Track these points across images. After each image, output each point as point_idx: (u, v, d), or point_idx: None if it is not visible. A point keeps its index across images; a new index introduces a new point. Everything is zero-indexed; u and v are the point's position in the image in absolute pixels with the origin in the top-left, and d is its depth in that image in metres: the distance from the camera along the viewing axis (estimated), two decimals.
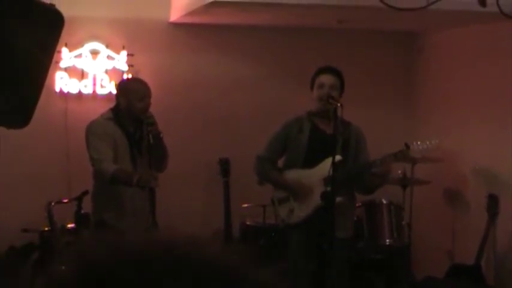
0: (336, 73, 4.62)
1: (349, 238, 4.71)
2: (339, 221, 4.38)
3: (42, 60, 2.72)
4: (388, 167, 4.51)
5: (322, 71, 4.62)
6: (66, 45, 5.85)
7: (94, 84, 6.03)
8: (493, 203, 5.39)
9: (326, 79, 4.55)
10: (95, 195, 4.53)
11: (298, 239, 4.62)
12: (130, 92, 4.44)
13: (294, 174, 4.65)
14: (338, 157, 4.46)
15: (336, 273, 4.49)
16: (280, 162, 4.81)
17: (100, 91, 6.03)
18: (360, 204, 5.30)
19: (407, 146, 4.52)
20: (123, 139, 4.41)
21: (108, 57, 6.05)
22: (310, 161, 4.58)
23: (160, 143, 4.43)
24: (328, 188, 4.41)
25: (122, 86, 4.61)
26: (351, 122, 4.65)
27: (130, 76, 5.94)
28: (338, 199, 4.42)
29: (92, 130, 4.42)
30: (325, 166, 4.47)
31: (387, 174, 4.59)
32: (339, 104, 4.34)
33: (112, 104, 4.60)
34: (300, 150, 4.61)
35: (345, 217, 4.55)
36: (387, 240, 5.33)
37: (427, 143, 4.58)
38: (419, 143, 4.57)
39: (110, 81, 6.01)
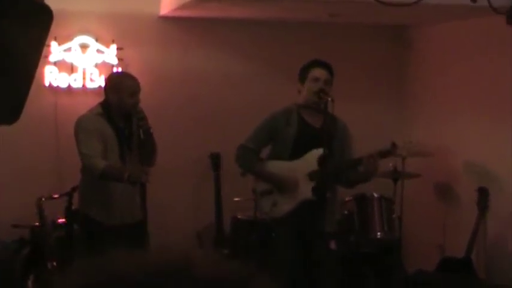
0: (329, 68, 4.58)
1: (334, 232, 4.69)
2: (323, 216, 4.39)
3: (32, 55, 2.69)
4: (374, 165, 4.45)
5: (316, 64, 4.56)
6: (55, 39, 5.82)
7: (84, 78, 6.00)
8: (483, 196, 5.41)
9: (320, 73, 4.51)
10: (82, 190, 4.50)
11: (284, 233, 4.58)
12: (121, 88, 4.41)
13: (277, 166, 4.59)
14: (321, 150, 4.44)
15: (325, 268, 4.50)
16: (264, 153, 4.74)
17: (90, 85, 6.00)
18: (351, 198, 5.30)
19: (394, 145, 4.49)
20: (112, 134, 4.38)
21: (98, 51, 6.02)
22: (297, 154, 4.55)
23: (150, 138, 4.40)
24: (315, 183, 4.41)
25: (111, 81, 4.57)
26: (338, 118, 4.61)
27: (119, 70, 5.92)
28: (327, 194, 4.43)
29: (81, 125, 4.39)
30: (310, 159, 4.47)
31: (372, 172, 4.51)
32: (330, 99, 4.32)
33: (101, 98, 4.57)
34: (287, 143, 4.57)
35: (330, 212, 4.53)
36: (378, 234, 5.34)
37: (413, 142, 4.59)
38: (405, 141, 4.58)
39: (100, 75, 5.98)
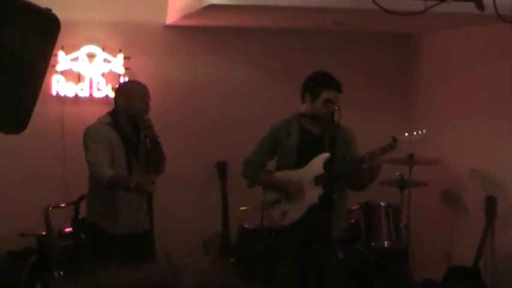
0: (341, 88, 4.54)
1: (341, 237, 4.68)
2: (333, 219, 4.39)
3: (39, 65, 2.70)
4: (376, 161, 4.45)
5: (330, 86, 4.50)
6: (62, 48, 5.85)
7: (90, 88, 6.02)
8: (491, 205, 5.38)
9: (335, 97, 4.48)
10: (90, 199, 4.52)
11: (290, 242, 4.58)
12: (130, 92, 4.44)
13: (283, 175, 4.61)
14: (326, 154, 4.47)
15: (330, 274, 4.49)
16: (271, 167, 4.76)
17: (97, 94, 6.02)
18: (358, 206, 5.29)
19: (394, 139, 4.49)
20: (119, 143, 4.39)
21: (105, 60, 6.04)
22: (301, 162, 4.56)
23: (158, 147, 4.41)
24: (321, 188, 4.41)
25: (121, 87, 4.62)
26: (342, 125, 4.57)
27: (127, 79, 5.94)
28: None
29: (89, 135, 4.40)
30: (314, 165, 4.49)
31: (376, 169, 4.51)
32: (336, 108, 4.32)
33: (109, 107, 4.59)
34: (290, 153, 4.59)
35: (336, 216, 4.50)
36: (385, 243, 5.32)
37: (414, 133, 4.56)
38: (406, 134, 4.54)
39: (107, 85, 6.00)
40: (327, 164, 4.46)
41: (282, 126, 4.64)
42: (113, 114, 4.47)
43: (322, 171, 4.47)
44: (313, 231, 4.47)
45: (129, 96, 4.41)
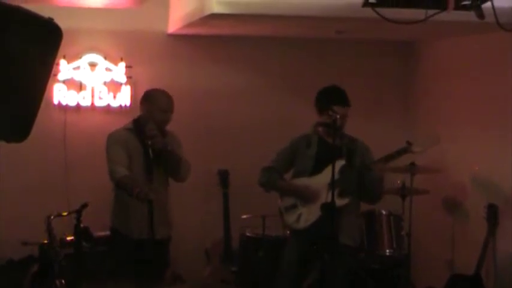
0: (347, 103, 4.70)
1: (354, 247, 4.77)
2: (343, 226, 4.46)
3: (41, 74, 2.72)
4: (386, 166, 4.65)
5: (338, 101, 4.66)
6: (64, 57, 5.87)
7: (92, 96, 6.03)
8: (493, 213, 5.38)
9: (342, 112, 4.61)
10: (113, 204, 4.62)
11: (298, 244, 4.71)
12: (154, 100, 4.57)
13: (299, 182, 4.77)
14: (342, 162, 4.62)
15: (337, 281, 4.53)
16: (288, 177, 4.91)
17: (98, 103, 6.03)
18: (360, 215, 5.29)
19: (409, 143, 4.63)
20: (139, 149, 4.47)
21: (107, 69, 6.06)
22: (318, 170, 4.71)
23: (168, 155, 4.47)
24: (330, 197, 4.48)
25: (148, 93, 4.75)
26: (356, 137, 4.79)
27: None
28: (342, 201, 4.54)
29: (109, 139, 4.57)
30: (331, 171, 4.54)
31: (382, 173, 4.71)
32: (338, 116, 4.44)
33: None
34: (308, 162, 4.74)
35: (350, 223, 4.64)
36: (387, 251, 5.32)
37: (428, 137, 4.69)
38: (420, 139, 4.68)
39: (108, 93, 6.02)
40: (344, 170, 4.60)
41: (302, 138, 4.84)
42: (136, 120, 4.60)
43: (336, 176, 4.53)
44: (322, 237, 4.51)
45: (153, 105, 4.56)
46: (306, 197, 4.70)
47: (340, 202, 4.54)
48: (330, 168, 4.51)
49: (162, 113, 4.54)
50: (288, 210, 4.78)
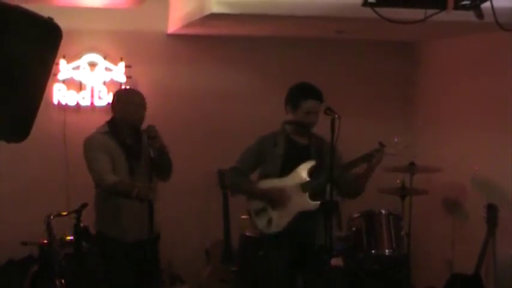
0: (321, 97, 4.53)
1: (327, 246, 4.64)
2: (317, 227, 4.38)
3: (41, 74, 2.71)
4: (371, 166, 4.44)
5: (309, 95, 4.50)
6: (64, 57, 5.88)
7: (92, 96, 6.04)
8: (492, 213, 5.38)
9: (313, 106, 4.47)
10: (96, 207, 4.53)
11: (278, 249, 4.54)
12: (125, 101, 4.46)
13: (267, 184, 4.57)
14: (311, 162, 4.47)
15: (325, 282, 4.48)
16: (255, 177, 4.71)
17: (98, 103, 6.04)
18: (359, 214, 5.30)
19: (381, 145, 4.47)
20: (119, 152, 4.41)
21: (106, 68, 6.06)
22: (286, 171, 4.54)
23: (164, 157, 4.43)
24: (308, 193, 4.42)
25: (116, 96, 4.61)
26: (323, 137, 4.54)
27: (126, 87, 5.96)
28: (314, 203, 4.42)
29: (88, 144, 4.43)
30: (300, 172, 4.48)
31: (365, 176, 4.51)
32: (336, 116, 4.31)
33: (110, 116, 4.61)
34: (275, 162, 4.56)
35: (322, 224, 4.39)
36: (386, 251, 5.32)
37: (399, 139, 4.54)
38: (396, 139, 4.54)
39: (108, 93, 6.02)
40: (313, 171, 4.45)
41: (268, 137, 4.63)
42: (110, 122, 4.50)
43: (307, 178, 4.47)
44: (302, 237, 4.46)
45: (124, 106, 4.44)
46: (276, 201, 4.51)
47: (312, 205, 4.41)
48: (298, 170, 4.45)
49: (135, 111, 4.43)
50: (257, 214, 4.60)
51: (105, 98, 6.03)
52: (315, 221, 4.43)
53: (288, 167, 4.53)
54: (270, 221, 4.55)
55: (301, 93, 4.53)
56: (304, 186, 4.48)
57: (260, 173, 4.67)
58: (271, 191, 4.53)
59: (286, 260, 4.52)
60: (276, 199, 4.52)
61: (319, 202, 4.44)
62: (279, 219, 4.52)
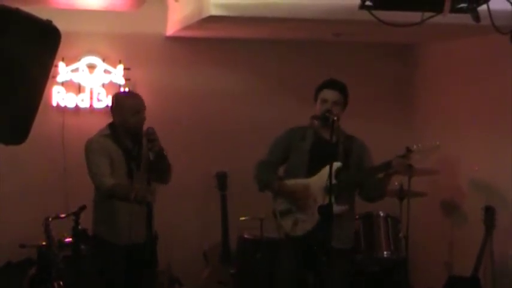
0: (340, 88, 4.57)
1: (347, 249, 4.62)
2: (336, 232, 4.34)
3: (40, 76, 2.73)
4: (398, 168, 4.43)
5: (326, 85, 4.58)
6: (63, 59, 5.89)
7: (91, 98, 6.05)
8: (490, 215, 5.39)
9: (330, 95, 4.52)
10: (94, 209, 4.55)
11: (295, 251, 4.56)
12: (124, 107, 4.45)
13: (294, 183, 4.56)
14: (338, 164, 4.43)
15: (334, 285, 4.48)
16: (281, 173, 4.72)
17: (97, 105, 6.05)
18: (357, 217, 5.29)
19: (408, 150, 4.45)
20: (119, 155, 4.42)
21: (105, 71, 6.07)
22: (313, 169, 4.53)
23: (163, 160, 4.43)
24: (327, 199, 4.40)
25: (115, 101, 4.61)
26: (355, 136, 4.63)
27: (124, 90, 5.97)
28: (339, 208, 4.37)
29: (89, 147, 4.44)
30: (326, 174, 4.38)
31: (388, 179, 4.52)
32: (335, 118, 4.35)
33: (109, 118, 4.61)
34: (302, 157, 4.57)
35: (343, 227, 4.47)
36: (385, 253, 5.33)
37: (427, 144, 4.54)
38: (419, 145, 4.53)
39: (107, 95, 6.03)
40: (339, 173, 4.42)
41: (298, 129, 4.66)
42: (111, 126, 4.51)
43: (333, 181, 4.37)
44: (317, 242, 4.45)
45: (123, 111, 4.44)
46: (302, 204, 4.50)
47: (337, 209, 4.30)
48: (325, 170, 4.38)
49: (134, 115, 4.45)
50: (283, 215, 4.59)
51: (104, 100, 6.04)
52: (336, 225, 4.31)
53: (315, 165, 4.51)
54: (295, 223, 4.53)
55: (320, 85, 4.62)
56: (327, 190, 4.43)
57: (286, 168, 4.67)
58: (298, 193, 4.52)
59: (300, 260, 4.53)
60: (302, 202, 4.51)
61: (344, 207, 4.43)
62: (304, 223, 4.51)
